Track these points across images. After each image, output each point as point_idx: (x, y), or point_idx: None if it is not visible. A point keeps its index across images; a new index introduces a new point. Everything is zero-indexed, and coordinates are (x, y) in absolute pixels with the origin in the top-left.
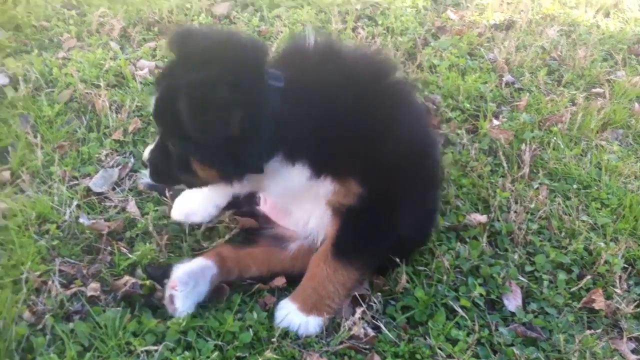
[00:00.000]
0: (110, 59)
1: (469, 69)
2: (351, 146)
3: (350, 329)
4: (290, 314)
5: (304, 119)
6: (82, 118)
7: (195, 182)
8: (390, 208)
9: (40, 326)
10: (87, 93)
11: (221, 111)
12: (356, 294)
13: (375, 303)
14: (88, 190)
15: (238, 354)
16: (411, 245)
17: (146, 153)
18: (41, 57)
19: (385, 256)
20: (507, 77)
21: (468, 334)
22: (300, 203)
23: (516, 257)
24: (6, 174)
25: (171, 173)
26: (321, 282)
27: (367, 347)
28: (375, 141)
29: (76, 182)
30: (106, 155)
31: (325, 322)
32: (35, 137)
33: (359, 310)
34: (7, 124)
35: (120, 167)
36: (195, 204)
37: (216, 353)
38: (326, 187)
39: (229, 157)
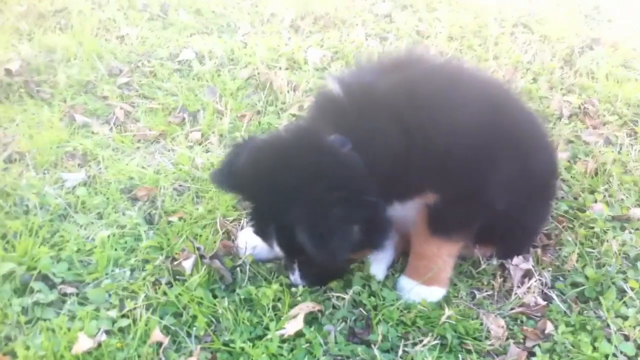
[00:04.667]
0: (285, 44)
1: (625, 78)
2: (420, 170)
3: (521, 297)
4: (415, 288)
5: (381, 171)
6: (260, 94)
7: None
8: (470, 195)
9: (239, 262)
10: (265, 72)
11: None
12: (531, 267)
13: (544, 277)
14: None
15: (422, 307)
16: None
17: (297, 280)
18: (222, 39)
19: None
20: None
21: (638, 313)
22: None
23: None
24: (197, 135)
25: (331, 274)
26: (430, 258)
27: (538, 315)
28: (439, 154)
29: None
30: (284, 126)
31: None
32: (224, 106)
33: (530, 281)
34: (193, 93)
35: None
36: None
37: (400, 301)
38: (412, 203)
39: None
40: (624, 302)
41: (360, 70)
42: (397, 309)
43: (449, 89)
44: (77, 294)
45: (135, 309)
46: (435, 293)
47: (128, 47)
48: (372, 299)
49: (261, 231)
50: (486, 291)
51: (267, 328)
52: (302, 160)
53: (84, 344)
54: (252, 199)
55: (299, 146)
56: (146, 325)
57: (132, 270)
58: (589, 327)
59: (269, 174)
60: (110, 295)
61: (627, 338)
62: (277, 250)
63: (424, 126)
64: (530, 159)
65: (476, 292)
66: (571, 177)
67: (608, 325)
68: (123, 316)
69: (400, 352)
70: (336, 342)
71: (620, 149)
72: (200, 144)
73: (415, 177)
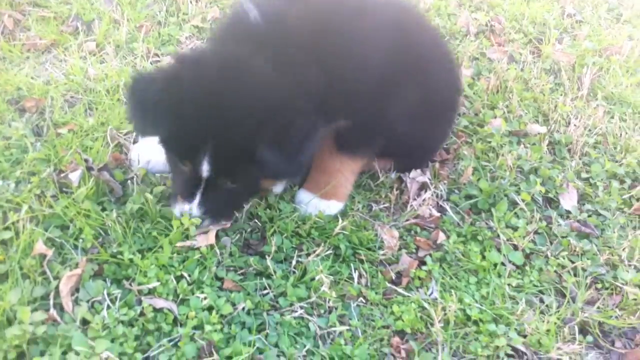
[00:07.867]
0: None
1: None
2: (334, 100)
3: (416, 209)
4: (313, 200)
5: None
6: (161, 3)
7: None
8: (376, 119)
9: (130, 175)
10: None
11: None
12: (428, 180)
13: (439, 190)
14: None
15: (317, 219)
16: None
17: (194, 209)
18: None
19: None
20: (569, 9)
21: (527, 224)
22: None
23: (573, 164)
24: (92, 45)
25: (237, 205)
26: (332, 173)
27: (432, 226)
28: (350, 86)
29: (157, 59)
30: (186, 38)
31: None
32: (121, 16)
33: (425, 194)
34: (89, 1)
35: None
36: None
37: (296, 214)
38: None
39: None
40: (515, 213)
41: None
42: (293, 221)
43: (356, 20)
44: None
45: (18, 221)
46: (333, 207)
47: None
48: (268, 211)
49: (185, 150)
50: (383, 203)
51: (157, 239)
52: (249, 78)
53: None
54: (180, 117)
55: (240, 64)
56: (30, 237)
57: (17, 183)
58: (479, 238)
59: (209, 91)
60: None
61: (516, 248)
62: (203, 169)
63: (335, 60)
64: (434, 82)
65: (373, 204)
66: (473, 93)
67: (498, 236)
68: (6, 229)
69: (293, 263)
70: (230, 254)
71: (523, 66)
72: (94, 55)
73: (331, 107)
